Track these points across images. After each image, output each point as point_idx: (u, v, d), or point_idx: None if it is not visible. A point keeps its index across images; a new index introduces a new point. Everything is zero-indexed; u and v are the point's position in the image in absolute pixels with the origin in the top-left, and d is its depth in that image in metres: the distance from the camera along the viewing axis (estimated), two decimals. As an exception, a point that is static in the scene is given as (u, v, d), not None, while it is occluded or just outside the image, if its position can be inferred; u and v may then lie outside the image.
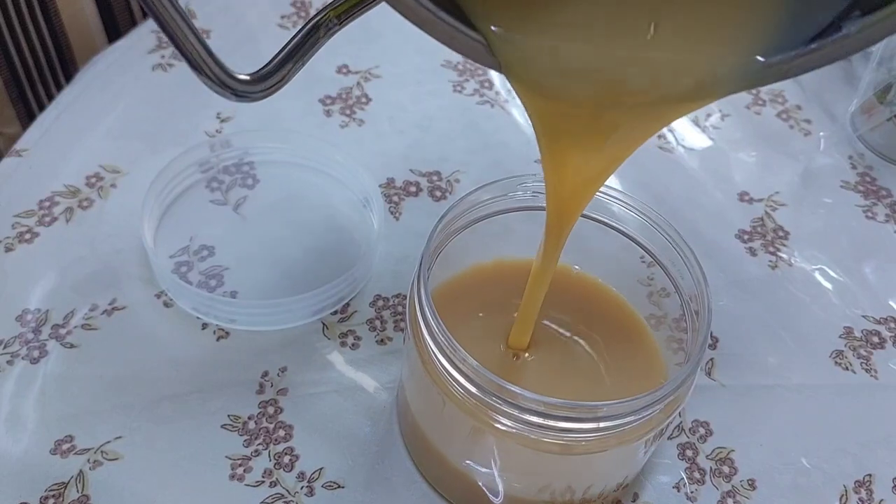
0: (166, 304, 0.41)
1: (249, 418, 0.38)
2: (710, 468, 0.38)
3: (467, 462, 0.32)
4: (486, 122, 0.52)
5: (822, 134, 0.54)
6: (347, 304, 0.42)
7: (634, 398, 0.28)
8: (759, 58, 0.23)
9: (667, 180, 0.50)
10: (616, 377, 0.35)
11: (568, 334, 0.36)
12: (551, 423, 0.28)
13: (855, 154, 0.54)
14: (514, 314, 0.35)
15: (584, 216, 0.36)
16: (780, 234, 0.48)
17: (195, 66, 0.26)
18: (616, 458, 0.32)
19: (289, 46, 0.28)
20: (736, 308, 0.44)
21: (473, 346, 0.33)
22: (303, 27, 0.28)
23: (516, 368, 0.34)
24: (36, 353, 0.39)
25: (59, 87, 0.57)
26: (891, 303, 0.46)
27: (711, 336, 0.43)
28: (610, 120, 0.26)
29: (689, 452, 0.39)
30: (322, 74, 0.54)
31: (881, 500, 0.38)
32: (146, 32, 0.54)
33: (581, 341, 0.36)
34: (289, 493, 0.35)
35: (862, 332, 0.44)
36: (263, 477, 0.36)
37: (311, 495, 0.36)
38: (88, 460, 0.36)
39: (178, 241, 0.44)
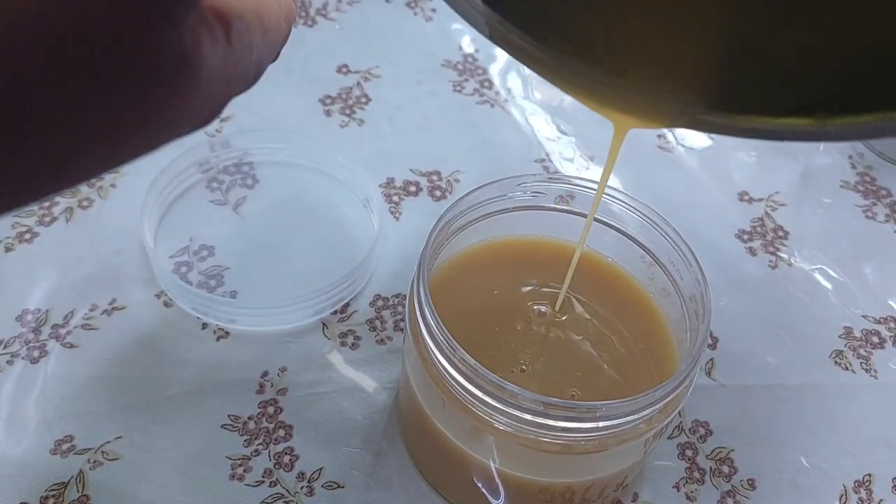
0: (166, 304, 0.41)
1: (249, 418, 0.38)
2: (710, 468, 0.38)
3: (467, 462, 0.32)
4: (485, 121, 0.52)
5: (821, 134, 0.54)
6: (347, 304, 0.42)
7: (634, 398, 0.28)
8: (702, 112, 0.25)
9: (667, 180, 0.51)
10: (631, 349, 0.35)
11: (583, 311, 0.36)
12: (550, 422, 0.28)
13: (854, 154, 0.54)
14: (518, 289, 0.35)
15: (583, 215, 0.36)
16: (780, 233, 0.48)
17: None
18: (616, 458, 0.32)
19: None
20: (735, 308, 0.44)
21: (482, 329, 0.33)
22: None
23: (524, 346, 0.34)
24: (36, 353, 0.39)
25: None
26: (890, 302, 0.46)
27: (711, 336, 0.43)
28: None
29: (688, 452, 0.39)
30: (322, 74, 0.54)
31: (881, 500, 0.38)
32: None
33: (596, 317, 0.36)
34: (289, 492, 0.36)
35: (861, 331, 0.44)
36: (263, 477, 0.36)
37: (311, 495, 0.36)
38: (88, 460, 0.36)
39: (178, 242, 0.44)
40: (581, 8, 0.24)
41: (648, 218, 0.35)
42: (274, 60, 0.23)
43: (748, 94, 0.24)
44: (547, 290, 0.36)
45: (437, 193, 0.48)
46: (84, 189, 0.45)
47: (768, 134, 0.24)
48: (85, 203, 0.45)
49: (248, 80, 0.20)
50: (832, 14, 0.20)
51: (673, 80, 0.24)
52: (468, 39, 0.57)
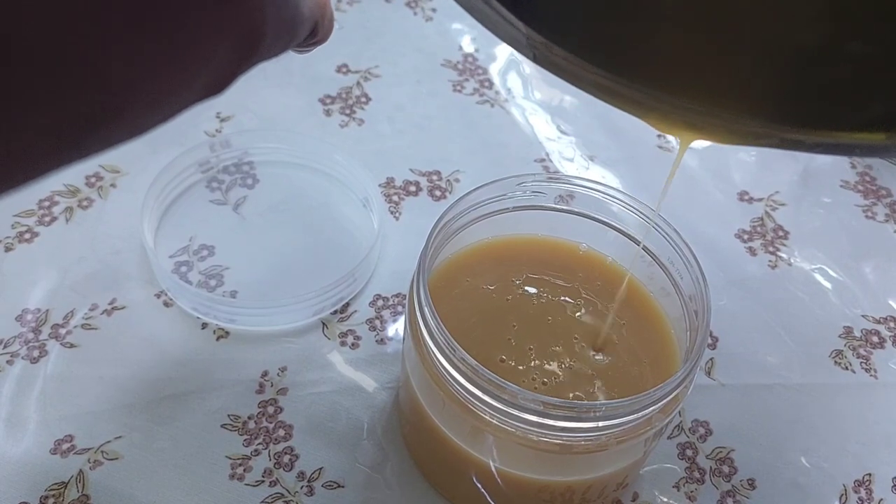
0: (166, 304, 0.41)
1: (249, 418, 0.38)
2: (710, 468, 0.38)
3: (467, 461, 0.32)
4: (485, 121, 0.52)
5: (821, 133, 0.54)
6: (347, 304, 0.42)
7: (633, 398, 0.28)
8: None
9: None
10: (631, 346, 0.35)
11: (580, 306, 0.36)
12: (550, 422, 0.28)
13: (855, 153, 0.54)
14: (517, 289, 0.35)
15: (583, 215, 0.36)
16: (780, 233, 0.48)
17: None
18: (615, 458, 0.32)
19: None
20: (735, 307, 0.44)
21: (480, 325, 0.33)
22: None
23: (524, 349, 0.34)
24: (36, 353, 0.39)
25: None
26: (890, 302, 0.46)
27: (711, 335, 0.43)
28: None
29: (688, 452, 0.39)
30: (322, 74, 0.54)
31: (881, 500, 0.38)
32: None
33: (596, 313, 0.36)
34: (288, 492, 0.36)
35: (861, 331, 0.44)
36: (263, 476, 0.36)
37: (311, 495, 0.36)
38: (88, 460, 0.36)
39: (178, 241, 0.44)
40: (640, 28, 0.23)
41: (648, 218, 0.35)
42: (313, 35, 0.23)
43: (820, 108, 0.23)
44: (546, 289, 0.36)
45: (437, 193, 0.48)
46: (84, 189, 0.45)
47: (838, 149, 0.23)
48: (85, 203, 0.45)
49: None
50: None
51: (746, 99, 0.23)
52: (468, 39, 0.57)
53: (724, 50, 0.22)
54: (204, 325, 0.41)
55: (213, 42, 0.19)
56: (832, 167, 0.53)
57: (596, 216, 0.36)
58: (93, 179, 0.46)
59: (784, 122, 0.23)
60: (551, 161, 0.50)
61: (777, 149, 0.24)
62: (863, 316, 0.45)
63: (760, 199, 0.50)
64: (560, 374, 0.33)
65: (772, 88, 0.23)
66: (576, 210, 0.37)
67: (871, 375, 0.43)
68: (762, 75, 0.23)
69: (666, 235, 0.34)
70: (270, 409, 0.38)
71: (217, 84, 0.20)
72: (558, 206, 0.37)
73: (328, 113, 0.51)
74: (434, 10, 0.59)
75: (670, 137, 0.53)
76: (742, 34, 0.21)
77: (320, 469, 0.36)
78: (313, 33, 0.25)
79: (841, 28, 0.20)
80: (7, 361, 0.38)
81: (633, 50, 0.24)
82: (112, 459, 0.36)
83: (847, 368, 0.43)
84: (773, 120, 0.23)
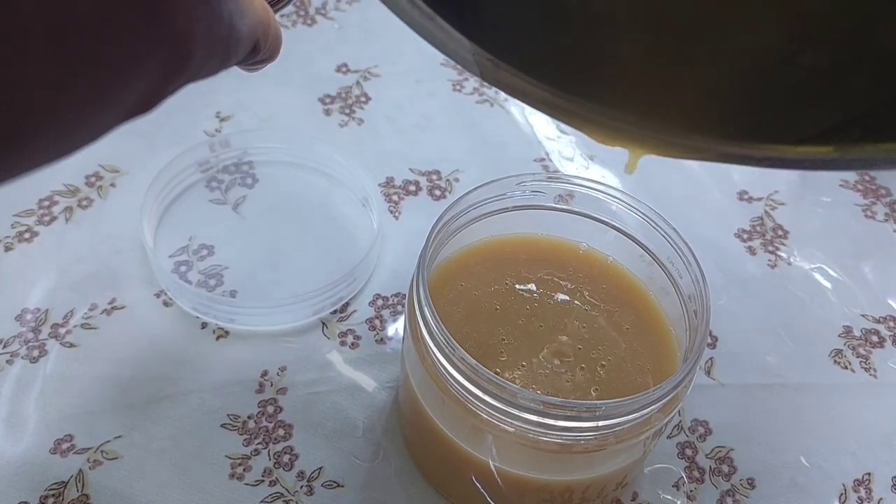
0: (166, 304, 0.41)
1: (249, 417, 0.38)
2: (710, 467, 0.38)
3: (466, 460, 0.32)
4: (485, 120, 0.52)
5: (821, 133, 0.54)
6: (347, 304, 0.42)
7: (633, 397, 0.28)
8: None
9: (666, 180, 0.51)
10: (631, 344, 0.35)
11: (580, 305, 0.36)
12: (550, 421, 0.28)
13: (854, 153, 0.53)
14: (517, 288, 0.36)
15: (583, 215, 0.36)
16: (780, 233, 0.48)
17: None
18: (615, 457, 0.32)
19: None
20: (735, 307, 0.45)
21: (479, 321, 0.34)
22: None
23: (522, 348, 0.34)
24: (35, 353, 0.39)
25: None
26: (890, 301, 0.46)
27: (710, 335, 0.43)
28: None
29: (688, 451, 0.39)
30: (321, 73, 0.54)
31: (880, 499, 0.38)
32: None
33: (596, 312, 0.36)
34: (288, 492, 0.36)
35: (861, 330, 0.44)
36: (263, 476, 0.36)
37: (311, 494, 0.36)
38: (88, 460, 0.36)
39: (178, 241, 0.44)
40: (587, 46, 0.23)
41: (648, 217, 0.35)
42: (256, 53, 0.23)
43: (765, 121, 0.23)
44: (546, 288, 0.36)
45: (437, 193, 0.48)
46: (84, 188, 0.45)
47: (787, 163, 0.22)
48: (84, 203, 0.45)
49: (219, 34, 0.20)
50: (852, 34, 0.19)
51: (688, 113, 0.23)
52: (468, 39, 0.57)
53: (672, 67, 0.22)
54: (203, 325, 0.41)
55: (139, 62, 0.17)
56: (832, 167, 0.53)
57: (596, 216, 0.36)
58: (92, 179, 0.46)
59: (731, 136, 0.23)
60: (551, 160, 0.50)
61: (730, 164, 0.24)
62: (862, 315, 0.45)
63: (760, 199, 0.50)
64: (558, 372, 0.33)
65: (719, 104, 0.23)
66: (575, 210, 0.37)
67: (870, 375, 0.43)
68: (710, 91, 0.22)
69: (665, 235, 0.34)
70: (270, 409, 0.38)
71: (142, 105, 0.19)
72: (558, 206, 0.37)
73: (328, 112, 0.51)
74: (433, 9, 0.59)
75: (670, 137, 0.53)
76: (689, 51, 0.21)
77: (320, 468, 0.36)
78: (255, 51, 0.24)
79: (789, 42, 0.20)
80: (7, 361, 0.38)
81: (580, 67, 0.24)
82: (112, 459, 0.36)
83: (847, 368, 0.43)
84: (720, 135, 0.23)
